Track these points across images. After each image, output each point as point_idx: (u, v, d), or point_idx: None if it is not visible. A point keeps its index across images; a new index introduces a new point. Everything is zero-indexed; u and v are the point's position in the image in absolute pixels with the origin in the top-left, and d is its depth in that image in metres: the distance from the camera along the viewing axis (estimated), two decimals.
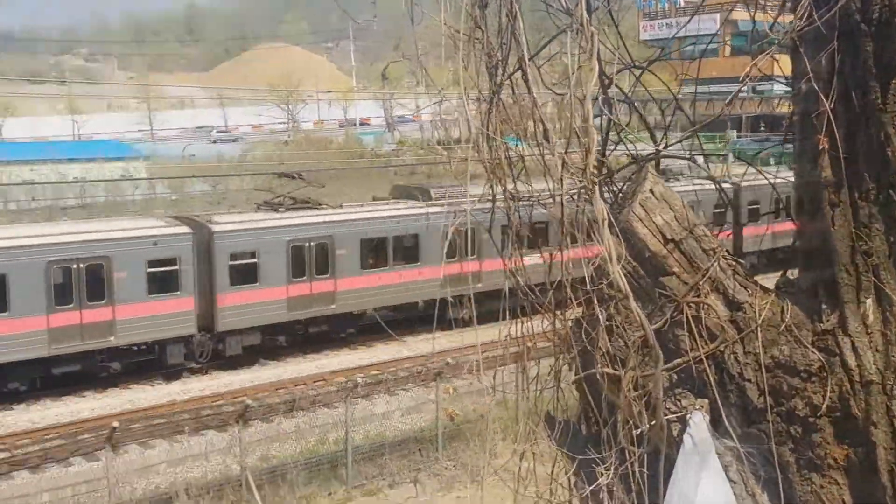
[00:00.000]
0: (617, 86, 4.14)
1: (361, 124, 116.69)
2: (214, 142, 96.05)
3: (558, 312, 3.79)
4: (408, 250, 29.33)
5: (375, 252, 29.01)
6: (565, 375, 3.88)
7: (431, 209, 28.99)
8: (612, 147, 4.19)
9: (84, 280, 23.27)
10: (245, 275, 25.87)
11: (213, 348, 25.81)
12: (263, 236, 26.29)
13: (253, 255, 26.06)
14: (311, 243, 27.10)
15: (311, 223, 27.30)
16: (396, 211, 29.61)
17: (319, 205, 28.43)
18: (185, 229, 25.32)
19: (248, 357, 26.91)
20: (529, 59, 3.73)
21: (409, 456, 19.61)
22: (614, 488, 3.46)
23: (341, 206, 29.09)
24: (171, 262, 24.55)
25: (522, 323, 3.90)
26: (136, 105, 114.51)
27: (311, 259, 27.11)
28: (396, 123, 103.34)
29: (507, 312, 4.02)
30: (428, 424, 21.45)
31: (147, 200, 56.30)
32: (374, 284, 28.31)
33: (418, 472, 18.76)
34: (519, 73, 3.81)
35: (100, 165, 62.18)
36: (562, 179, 3.54)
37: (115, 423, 17.10)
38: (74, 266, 23.19)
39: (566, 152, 3.62)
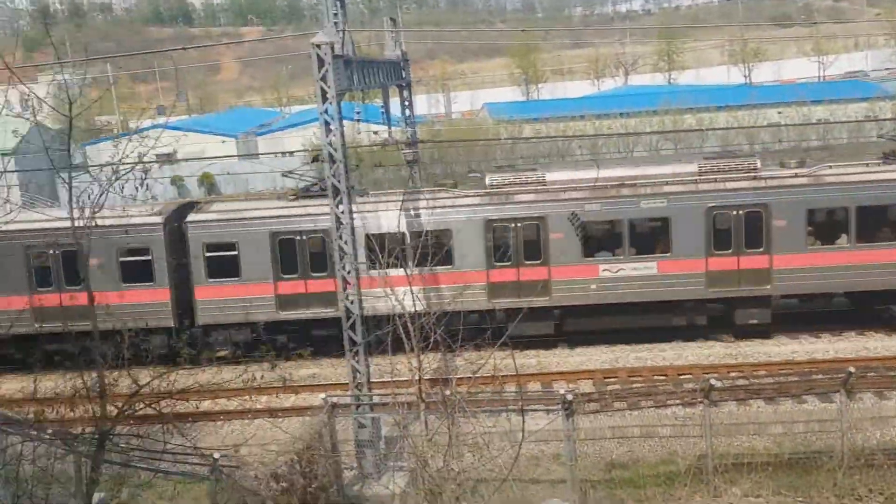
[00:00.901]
0: None
1: None
2: None
3: None
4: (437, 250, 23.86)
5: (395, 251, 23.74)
6: None
7: (461, 201, 24.63)
8: None
9: (62, 266, 24.69)
10: (224, 268, 24.87)
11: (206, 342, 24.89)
12: (244, 227, 24.95)
13: (232, 247, 24.88)
14: (304, 237, 24.74)
15: (304, 215, 24.82)
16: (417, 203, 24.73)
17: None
18: (155, 219, 24.99)
19: None
20: None
21: None
22: None
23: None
24: (143, 251, 24.71)
25: None
26: (885, 42, 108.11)
27: (305, 255, 24.82)
28: None
29: None
30: None
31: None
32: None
33: None
34: None
35: (843, 106, 61.06)
36: None
37: (851, 369, 16.81)
38: (52, 252, 24.70)
39: None
